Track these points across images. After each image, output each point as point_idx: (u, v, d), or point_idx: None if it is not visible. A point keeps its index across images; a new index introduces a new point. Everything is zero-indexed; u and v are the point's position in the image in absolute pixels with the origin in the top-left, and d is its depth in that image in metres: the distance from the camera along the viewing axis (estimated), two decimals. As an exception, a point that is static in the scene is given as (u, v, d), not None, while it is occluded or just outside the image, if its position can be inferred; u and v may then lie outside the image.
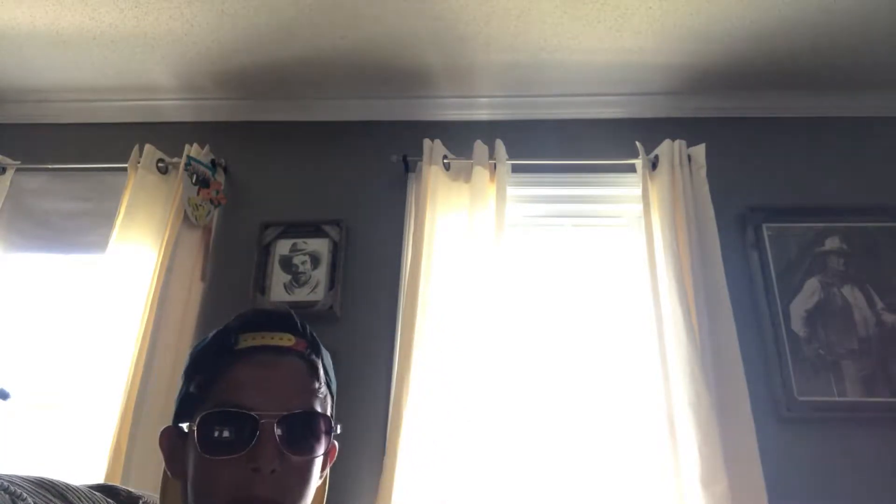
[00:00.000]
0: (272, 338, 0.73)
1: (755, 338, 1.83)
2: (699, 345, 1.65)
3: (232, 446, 0.65)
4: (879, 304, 1.84)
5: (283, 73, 2.11)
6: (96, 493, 0.58)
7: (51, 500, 0.51)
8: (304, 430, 0.69)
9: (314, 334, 0.78)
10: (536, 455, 1.77)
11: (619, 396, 1.84)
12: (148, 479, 1.68)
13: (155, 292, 1.79)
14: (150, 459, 1.70)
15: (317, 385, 0.72)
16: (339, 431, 0.74)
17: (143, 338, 1.73)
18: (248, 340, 0.72)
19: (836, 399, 1.74)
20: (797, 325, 1.83)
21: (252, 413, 0.66)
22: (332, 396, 0.77)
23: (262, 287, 1.93)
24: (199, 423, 0.67)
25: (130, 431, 1.64)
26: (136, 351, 1.72)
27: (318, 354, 0.76)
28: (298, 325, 0.76)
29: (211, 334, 0.75)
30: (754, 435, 1.60)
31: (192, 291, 1.94)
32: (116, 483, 0.72)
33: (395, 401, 1.67)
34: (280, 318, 0.75)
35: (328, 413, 0.74)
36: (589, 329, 1.93)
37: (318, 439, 0.70)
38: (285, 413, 0.67)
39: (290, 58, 2.03)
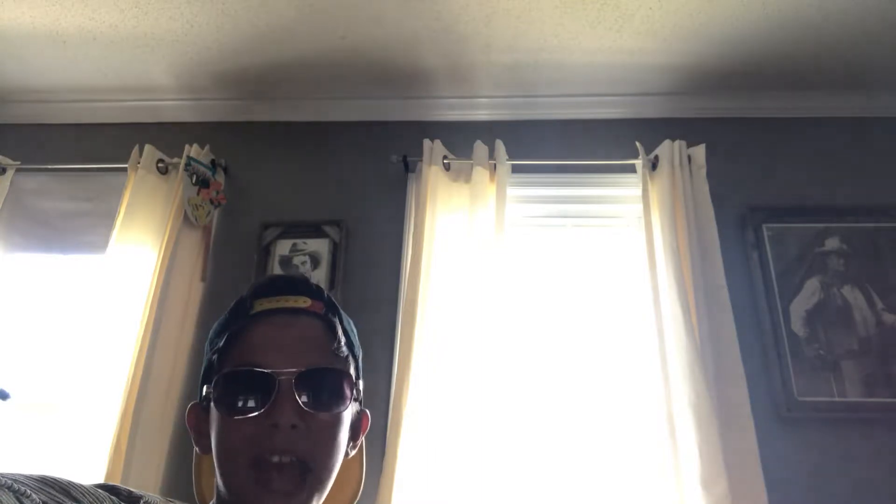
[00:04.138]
0: (287, 300, 0.73)
1: (755, 338, 1.83)
2: (699, 345, 1.65)
3: (250, 405, 0.65)
4: (879, 305, 1.84)
5: (283, 73, 2.11)
6: (100, 490, 0.58)
7: (55, 496, 0.51)
8: (323, 386, 0.68)
9: (332, 297, 0.77)
10: (536, 455, 1.77)
11: (619, 396, 1.84)
12: (148, 480, 1.68)
13: (155, 292, 1.79)
14: (150, 459, 1.70)
15: (335, 344, 0.72)
16: (361, 390, 0.74)
17: (143, 338, 1.73)
18: (264, 304, 0.72)
19: (836, 399, 1.74)
20: (797, 326, 1.83)
21: (268, 371, 0.66)
22: (356, 360, 0.77)
23: (262, 287, 1.93)
24: (215, 384, 0.67)
25: (130, 431, 1.64)
26: (136, 351, 1.72)
27: (337, 315, 0.75)
28: (314, 287, 0.76)
29: (229, 306, 0.75)
30: (754, 435, 1.60)
31: (192, 291, 1.94)
32: (117, 483, 0.72)
33: (395, 401, 1.67)
34: (294, 282, 0.75)
35: (350, 373, 0.73)
36: (589, 329, 1.93)
37: (339, 396, 0.69)
38: (303, 369, 0.67)
39: (290, 58, 2.03)
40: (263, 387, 0.65)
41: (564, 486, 1.75)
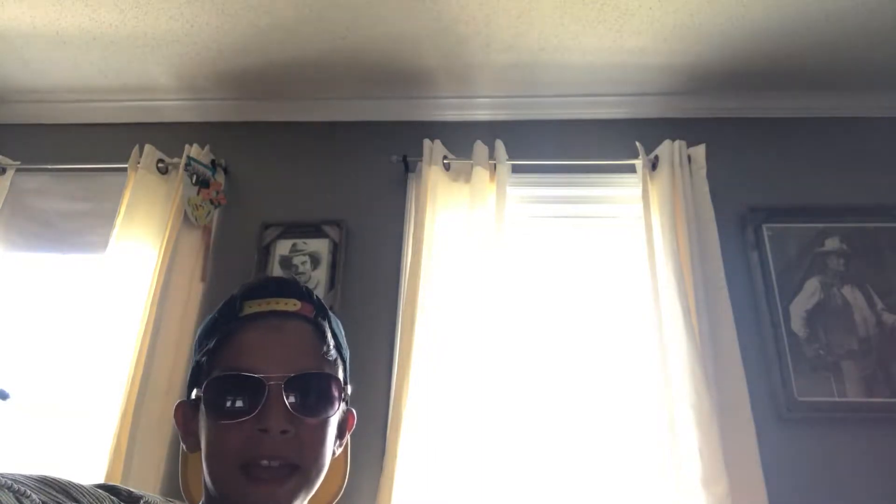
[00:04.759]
0: (277, 303, 0.73)
1: (755, 338, 1.83)
2: (699, 345, 1.65)
3: (240, 410, 0.66)
4: (879, 305, 1.84)
5: (283, 73, 2.11)
6: (99, 490, 0.58)
7: (55, 496, 0.51)
8: (312, 391, 0.69)
9: (321, 300, 0.77)
10: (536, 455, 1.77)
11: (620, 397, 1.84)
12: (148, 480, 1.68)
13: (155, 292, 1.79)
14: (150, 459, 1.70)
15: (325, 348, 0.72)
16: (349, 392, 0.74)
17: (144, 338, 1.73)
18: (253, 307, 0.73)
19: (836, 399, 1.74)
20: (797, 326, 1.83)
21: (258, 376, 0.66)
22: (344, 362, 0.77)
23: (262, 287, 1.93)
24: (205, 388, 0.68)
25: (130, 431, 1.64)
26: (136, 351, 1.72)
27: (326, 318, 0.76)
28: (303, 290, 0.76)
29: (218, 306, 0.76)
30: (754, 435, 1.60)
31: (192, 291, 1.93)
32: (117, 483, 0.72)
33: (395, 401, 1.67)
34: (284, 284, 0.76)
35: (339, 377, 0.74)
36: (589, 329, 1.93)
37: (327, 401, 0.70)
38: (292, 375, 0.67)
39: (290, 58, 2.03)
40: (253, 391, 0.66)
41: (565, 486, 1.75)
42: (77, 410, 1.67)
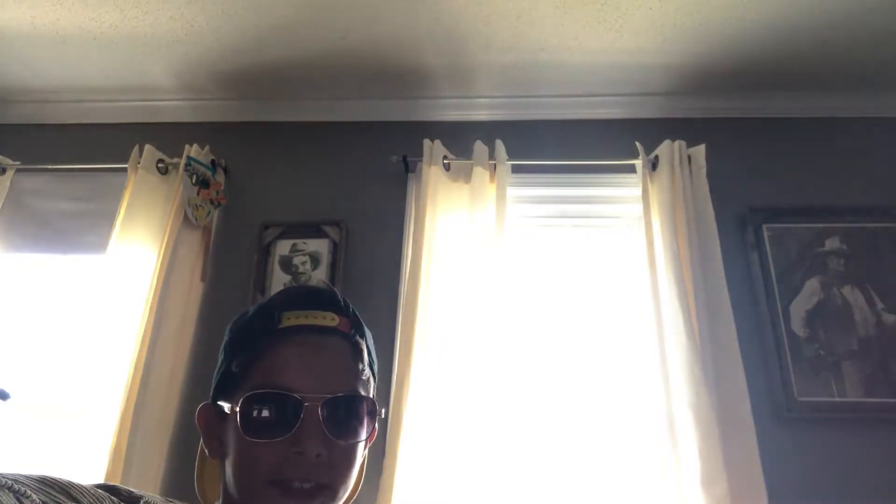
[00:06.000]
0: (316, 317, 0.72)
1: (755, 338, 1.83)
2: (699, 345, 1.65)
3: (275, 429, 0.65)
4: (879, 305, 1.84)
5: (283, 73, 2.11)
6: (99, 490, 0.58)
7: (55, 497, 0.51)
8: (348, 413, 0.68)
9: (357, 313, 0.76)
10: (536, 455, 1.77)
11: (619, 397, 1.84)
12: (148, 480, 1.68)
13: (155, 292, 1.79)
14: (150, 460, 1.70)
15: (360, 366, 0.72)
16: (382, 416, 0.73)
17: (143, 338, 1.73)
18: (292, 319, 0.71)
19: (837, 399, 1.74)
20: (797, 326, 1.83)
21: (296, 395, 0.65)
22: (375, 377, 0.77)
23: (262, 287, 1.93)
24: (241, 404, 0.66)
25: (130, 431, 1.64)
26: (136, 351, 1.72)
27: (362, 335, 0.75)
28: (342, 302, 0.75)
29: (252, 310, 0.74)
30: (754, 435, 1.60)
31: (192, 291, 1.94)
32: (117, 483, 0.72)
33: (395, 401, 1.67)
34: (324, 297, 0.74)
35: (371, 395, 0.73)
36: (589, 330, 1.93)
37: (361, 423, 0.69)
38: (330, 396, 0.66)
39: (290, 58, 2.03)
40: (290, 411, 0.65)
41: (564, 487, 1.75)
42: (77, 410, 1.68)
